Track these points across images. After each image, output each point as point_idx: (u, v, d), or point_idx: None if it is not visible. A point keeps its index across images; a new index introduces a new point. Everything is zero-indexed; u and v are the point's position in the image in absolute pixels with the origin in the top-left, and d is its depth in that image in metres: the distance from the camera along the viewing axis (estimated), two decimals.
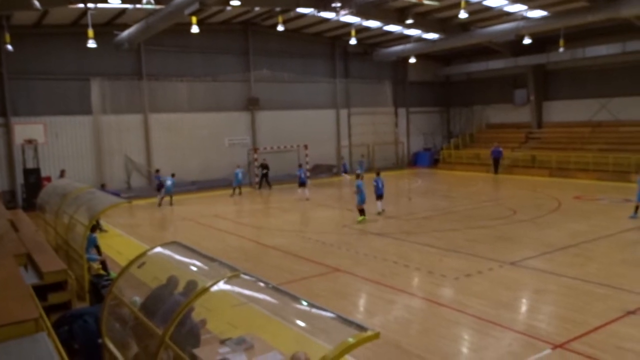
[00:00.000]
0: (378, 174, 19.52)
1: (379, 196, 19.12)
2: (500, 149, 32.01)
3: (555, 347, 7.78)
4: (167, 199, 23.87)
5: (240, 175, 26.41)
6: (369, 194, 18.91)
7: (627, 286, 10.39)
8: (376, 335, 3.48)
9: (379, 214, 18.92)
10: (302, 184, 24.64)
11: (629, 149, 27.68)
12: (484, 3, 24.92)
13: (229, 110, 30.80)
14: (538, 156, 31.32)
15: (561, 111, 33.87)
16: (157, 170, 25.62)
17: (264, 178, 29.19)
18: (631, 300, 9.62)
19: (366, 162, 31.92)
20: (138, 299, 6.30)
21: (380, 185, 19.04)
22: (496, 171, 31.98)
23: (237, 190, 26.52)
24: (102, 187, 21.20)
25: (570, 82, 33.10)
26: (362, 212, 18.28)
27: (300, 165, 26.93)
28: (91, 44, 21.39)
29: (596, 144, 30.01)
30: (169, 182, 23.81)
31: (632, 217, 17.16)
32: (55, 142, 25.62)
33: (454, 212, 19.68)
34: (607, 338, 8.02)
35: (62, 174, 22.50)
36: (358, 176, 20.32)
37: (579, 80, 32.55)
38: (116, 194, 18.28)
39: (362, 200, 18.17)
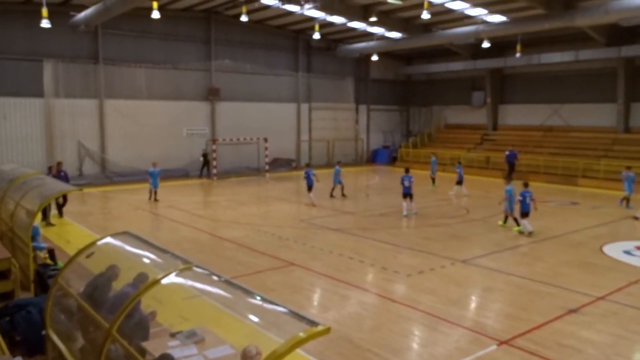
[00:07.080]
0: (526, 186, 16.26)
1: (524, 214, 15.55)
2: (516, 152, 28.71)
3: (501, 343, 8.03)
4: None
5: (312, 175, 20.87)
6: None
7: (570, 285, 10.83)
8: (327, 331, 3.49)
9: (530, 233, 15.36)
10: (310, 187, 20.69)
11: (578, 154, 28.85)
12: (446, 5, 25.36)
13: (188, 99, 30.25)
14: (492, 157, 32.18)
15: (516, 115, 34.94)
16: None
17: (205, 167, 29.82)
18: (573, 299, 10.03)
19: None
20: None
21: (527, 201, 15.52)
22: (510, 176, 22.06)
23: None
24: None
25: (525, 87, 34.19)
26: (507, 219, 16.59)
27: (308, 165, 22.94)
28: (45, 23, 20.53)
29: (547, 147, 31.11)
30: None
31: (620, 205, 20.11)
32: (4, 124, 24.54)
33: None
34: (550, 335, 8.33)
35: (59, 165, 18.79)
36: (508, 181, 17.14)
37: (533, 86, 33.65)
38: None
39: (511, 208, 16.29)
